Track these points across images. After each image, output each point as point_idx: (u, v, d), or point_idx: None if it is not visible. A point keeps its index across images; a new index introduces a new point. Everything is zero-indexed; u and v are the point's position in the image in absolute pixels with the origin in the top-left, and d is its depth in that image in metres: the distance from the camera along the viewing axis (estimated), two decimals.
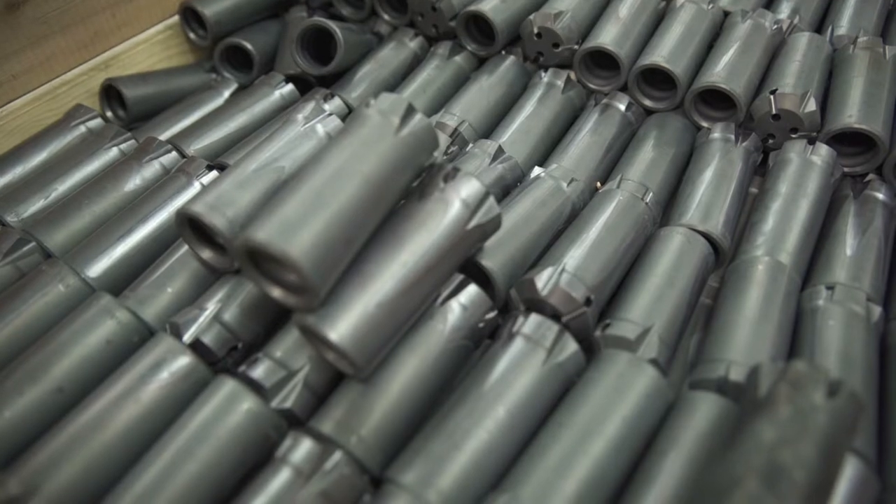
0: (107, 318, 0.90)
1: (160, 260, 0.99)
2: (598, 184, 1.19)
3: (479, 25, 1.43)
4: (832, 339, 0.91)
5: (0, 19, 1.27)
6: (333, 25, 1.35)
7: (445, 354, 0.84)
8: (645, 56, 1.29)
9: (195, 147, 1.23)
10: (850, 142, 1.20)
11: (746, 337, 0.91)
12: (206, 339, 0.89)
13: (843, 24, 1.42)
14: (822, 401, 0.69)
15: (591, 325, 0.93)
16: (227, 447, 0.78)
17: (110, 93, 1.43)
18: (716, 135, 1.23)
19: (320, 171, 0.77)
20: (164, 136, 1.28)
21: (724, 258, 1.08)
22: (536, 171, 1.12)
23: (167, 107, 1.40)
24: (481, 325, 0.89)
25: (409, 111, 0.84)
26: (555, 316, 0.92)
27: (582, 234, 1.01)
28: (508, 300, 0.95)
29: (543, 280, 0.93)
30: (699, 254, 1.03)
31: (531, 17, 1.37)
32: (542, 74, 1.36)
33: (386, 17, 1.53)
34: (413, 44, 1.48)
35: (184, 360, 0.84)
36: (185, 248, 0.98)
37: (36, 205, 1.12)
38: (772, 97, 1.20)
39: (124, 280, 0.99)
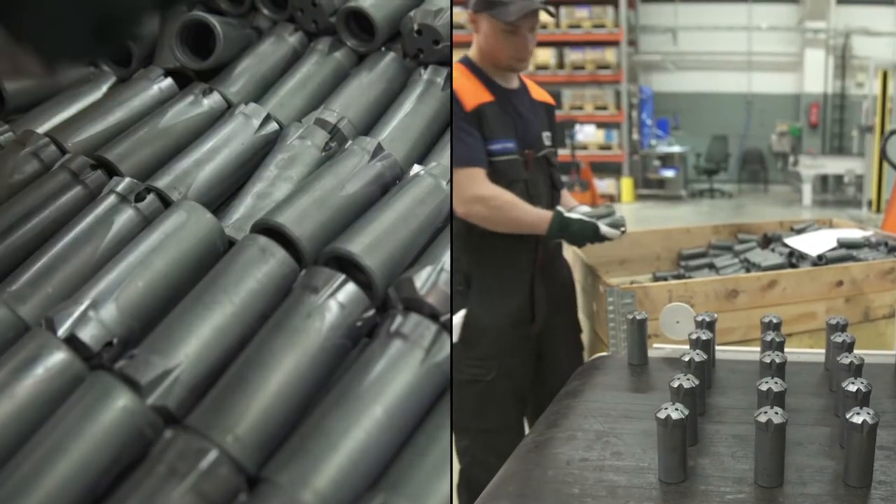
0: None
1: (35, 255, 0.98)
2: None
3: (359, 21, 1.44)
4: None
5: None
6: (213, 20, 1.34)
7: (323, 353, 0.86)
8: None
9: (74, 140, 1.22)
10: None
11: None
12: (82, 335, 0.88)
13: None
14: None
15: None
16: (101, 444, 0.78)
17: None
18: None
19: None
20: (42, 129, 1.25)
21: None
22: (416, 168, 1.14)
23: (46, 99, 1.37)
24: (359, 323, 0.90)
25: None
26: (433, 315, 0.93)
27: None
28: (387, 299, 0.96)
29: (422, 279, 0.94)
30: None
31: (412, 13, 1.38)
32: (422, 71, 1.38)
33: (266, 12, 1.51)
34: (292, 39, 1.47)
35: (59, 356, 0.84)
36: (63, 243, 0.99)
37: None
38: None
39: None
